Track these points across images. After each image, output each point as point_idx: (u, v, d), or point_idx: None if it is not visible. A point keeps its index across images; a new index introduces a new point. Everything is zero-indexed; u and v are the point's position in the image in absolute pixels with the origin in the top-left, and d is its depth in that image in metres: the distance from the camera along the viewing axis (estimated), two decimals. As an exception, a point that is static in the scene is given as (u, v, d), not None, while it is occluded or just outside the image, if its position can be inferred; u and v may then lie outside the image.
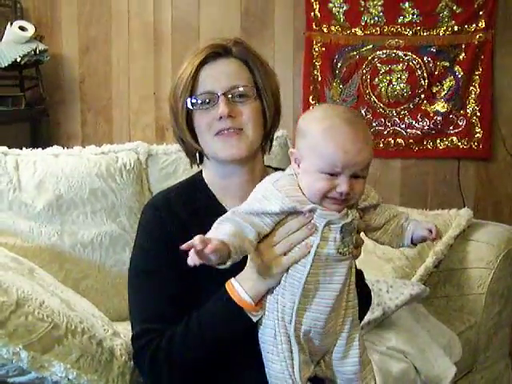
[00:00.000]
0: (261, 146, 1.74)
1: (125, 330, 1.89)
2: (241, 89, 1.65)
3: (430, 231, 1.53)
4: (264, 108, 1.70)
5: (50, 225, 2.32)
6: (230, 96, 1.64)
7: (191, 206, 1.70)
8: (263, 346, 1.52)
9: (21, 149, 2.42)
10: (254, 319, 1.52)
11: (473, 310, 2.56)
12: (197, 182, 1.77)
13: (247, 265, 1.51)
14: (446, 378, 2.24)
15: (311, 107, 3.69)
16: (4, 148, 2.37)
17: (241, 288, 1.51)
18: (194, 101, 1.65)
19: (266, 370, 1.52)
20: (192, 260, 1.32)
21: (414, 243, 1.58)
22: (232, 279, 1.52)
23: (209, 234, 1.40)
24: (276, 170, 1.82)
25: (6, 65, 3.50)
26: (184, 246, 1.32)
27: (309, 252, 1.46)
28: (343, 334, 1.52)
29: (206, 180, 1.76)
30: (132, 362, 1.74)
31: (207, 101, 1.64)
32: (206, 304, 1.57)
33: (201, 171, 1.79)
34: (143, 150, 2.52)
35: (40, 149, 2.45)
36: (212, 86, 1.64)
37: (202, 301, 1.59)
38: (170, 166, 2.55)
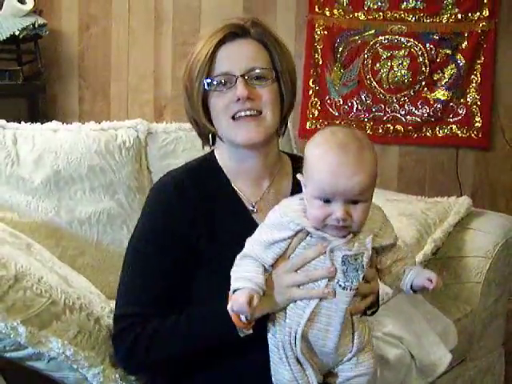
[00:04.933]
0: (276, 130, 1.70)
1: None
2: (259, 71, 1.61)
3: (430, 281, 1.48)
4: (282, 91, 1.66)
5: (47, 200, 2.29)
6: (248, 78, 1.60)
7: (203, 189, 1.66)
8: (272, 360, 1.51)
9: (18, 123, 2.39)
10: (241, 335, 1.48)
11: (469, 298, 2.55)
12: (209, 163, 1.73)
13: None
14: (441, 365, 2.24)
15: (310, 91, 3.68)
16: (2, 121, 2.33)
17: None
18: (210, 82, 1.61)
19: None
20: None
21: (413, 290, 1.53)
22: None
23: (238, 274, 1.44)
24: (289, 155, 1.83)
25: (4, 38, 3.47)
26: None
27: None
28: (349, 355, 1.49)
29: (219, 161, 1.72)
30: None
31: (224, 82, 1.60)
32: (201, 308, 1.56)
33: (212, 152, 1.76)
34: (143, 127, 2.49)
35: (38, 123, 2.43)
36: (230, 67, 1.60)
37: (194, 292, 1.60)
38: (170, 145, 2.52)
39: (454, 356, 2.27)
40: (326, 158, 1.40)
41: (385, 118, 3.66)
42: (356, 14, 3.62)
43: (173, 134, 2.54)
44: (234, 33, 1.62)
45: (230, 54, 1.61)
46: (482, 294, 2.56)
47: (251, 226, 1.51)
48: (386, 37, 3.63)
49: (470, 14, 3.54)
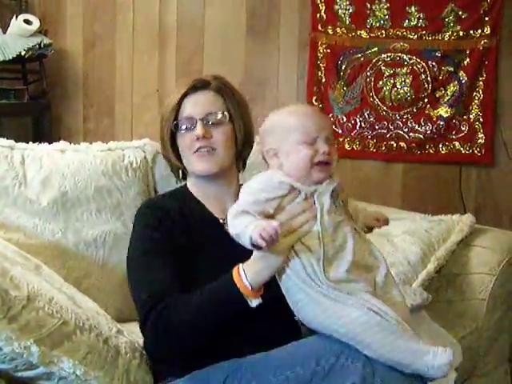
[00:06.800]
0: (234, 164, 2.02)
1: (127, 330, 1.90)
2: (215, 115, 1.94)
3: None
4: (235, 132, 1.97)
5: (54, 222, 2.30)
6: (205, 121, 1.92)
7: (179, 207, 1.94)
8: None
9: (26, 143, 2.41)
10: (251, 305, 1.63)
11: (474, 315, 2.55)
12: (182, 191, 2.03)
13: (254, 252, 1.64)
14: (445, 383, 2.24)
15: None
16: (11, 142, 2.35)
17: (243, 272, 1.63)
18: (176, 124, 1.95)
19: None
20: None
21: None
22: (241, 264, 1.65)
23: (237, 227, 1.59)
24: None
25: (10, 58, 3.50)
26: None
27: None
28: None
29: (190, 189, 2.02)
30: (136, 361, 1.76)
31: (187, 125, 1.93)
32: (212, 282, 1.69)
33: (185, 185, 2.05)
34: (150, 148, 2.50)
35: (46, 143, 2.44)
36: (191, 112, 1.94)
37: (198, 276, 1.76)
38: (176, 165, 2.53)
39: (458, 374, 2.27)
40: (300, 109, 1.72)
41: (388, 135, 3.68)
42: (359, 32, 3.64)
43: (179, 153, 2.56)
44: (196, 86, 1.96)
45: (192, 102, 1.95)
46: (487, 311, 2.56)
47: (225, 233, 1.78)
48: (389, 54, 3.64)
49: (471, 32, 3.56)
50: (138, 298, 1.78)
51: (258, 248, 1.55)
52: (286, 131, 1.66)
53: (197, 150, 1.92)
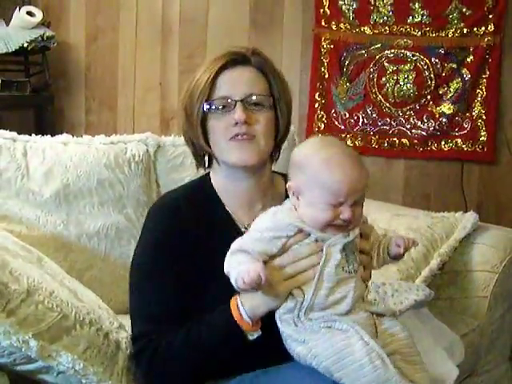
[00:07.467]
0: (270, 155, 1.78)
1: (128, 323, 1.89)
2: (257, 97, 1.68)
3: (399, 246, 1.58)
4: (278, 118, 1.73)
5: (56, 214, 2.30)
6: (246, 103, 1.67)
7: (198, 212, 1.74)
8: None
9: (29, 135, 2.40)
10: (251, 338, 1.55)
11: (476, 312, 2.55)
12: (204, 186, 1.80)
13: None
14: (447, 380, 2.23)
15: (316, 104, 3.69)
16: (13, 134, 2.35)
17: (242, 307, 1.54)
18: (210, 105, 1.68)
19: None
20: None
21: (395, 259, 1.64)
22: (238, 296, 1.55)
23: (230, 265, 1.50)
24: (281, 174, 1.88)
25: (13, 50, 3.49)
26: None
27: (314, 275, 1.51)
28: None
29: (213, 184, 1.79)
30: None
31: (223, 106, 1.68)
32: (209, 315, 1.60)
33: (207, 174, 1.83)
34: (153, 141, 2.49)
35: (49, 136, 2.44)
36: (229, 91, 1.68)
37: (206, 300, 1.65)
38: (178, 158, 2.53)
39: (460, 371, 2.27)
40: (336, 163, 1.49)
41: (390, 131, 3.67)
42: (362, 29, 3.63)
43: (181, 147, 2.54)
44: (235, 60, 1.70)
45: (230, 80, 1.68)
46: (489, 309, 2.56)
47: None
48: (392, 51, 3.63)
49: (475, 29, 3.55)
50: (132, 324, 1.71)
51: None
52: (315, 180, 1.49)
53: (233, 137, 1.67)
